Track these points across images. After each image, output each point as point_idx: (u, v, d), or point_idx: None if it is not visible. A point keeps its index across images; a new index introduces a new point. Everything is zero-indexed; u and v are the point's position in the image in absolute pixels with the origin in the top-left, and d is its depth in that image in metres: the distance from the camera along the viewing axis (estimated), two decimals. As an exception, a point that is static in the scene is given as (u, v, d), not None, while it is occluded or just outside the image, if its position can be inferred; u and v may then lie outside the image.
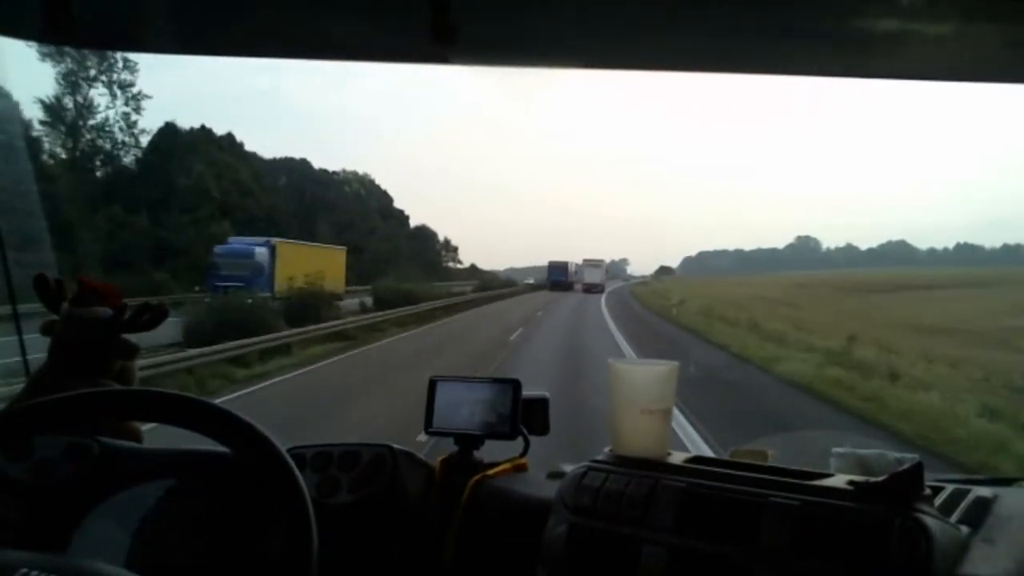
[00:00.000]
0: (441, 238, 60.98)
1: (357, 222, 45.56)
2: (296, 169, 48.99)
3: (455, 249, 61.93)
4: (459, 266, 60.07)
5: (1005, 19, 0.80)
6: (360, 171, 55.89)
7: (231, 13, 0.88)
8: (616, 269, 56.87)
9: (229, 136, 38.89)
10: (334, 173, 52.81)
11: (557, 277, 48.53)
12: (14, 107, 1.47)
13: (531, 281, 55.46)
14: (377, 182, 55.89)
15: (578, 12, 0.82)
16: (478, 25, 0.86)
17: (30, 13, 0.93)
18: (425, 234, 58.07)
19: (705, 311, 24.89)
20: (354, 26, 0.90)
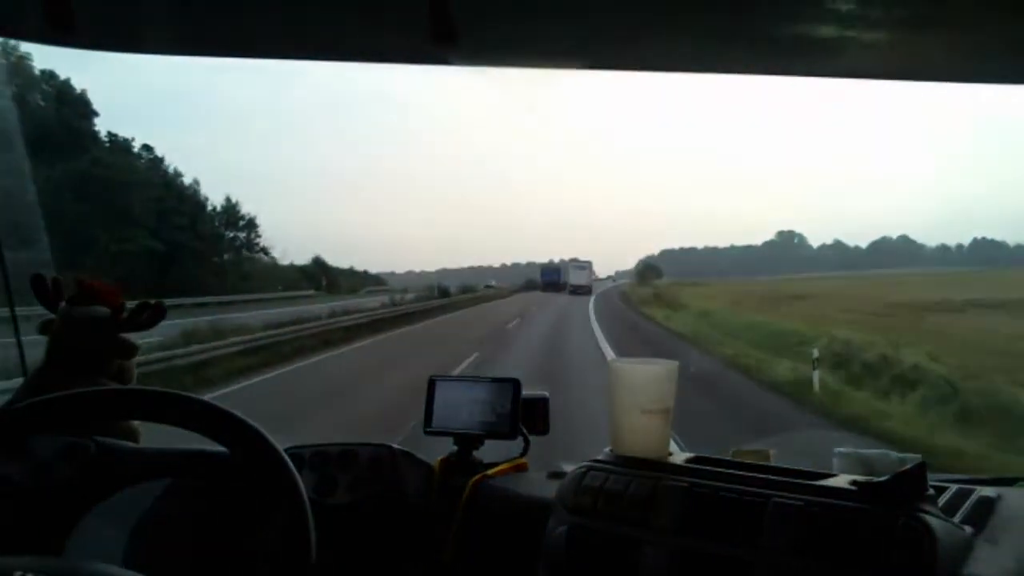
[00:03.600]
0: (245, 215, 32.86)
1: None
2: None
3: (254, 234, 32.92)
4: (279, 262, 33.00)
5: (1005, 21, 0.80)
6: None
7: (231, 14, 0.88)
8: (565, 270, 50.77)
9: None
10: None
11: (550, 278, 50.46)
12: (13, 107, 1.47)
13: (402, 296, 25.36)
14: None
15: (574, 15, 0.83)
16: (477, 27, 0.86)
17: (30, 14, 0.93)
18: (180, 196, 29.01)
19: None
20: (354, 28, 0.90)
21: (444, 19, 0.81)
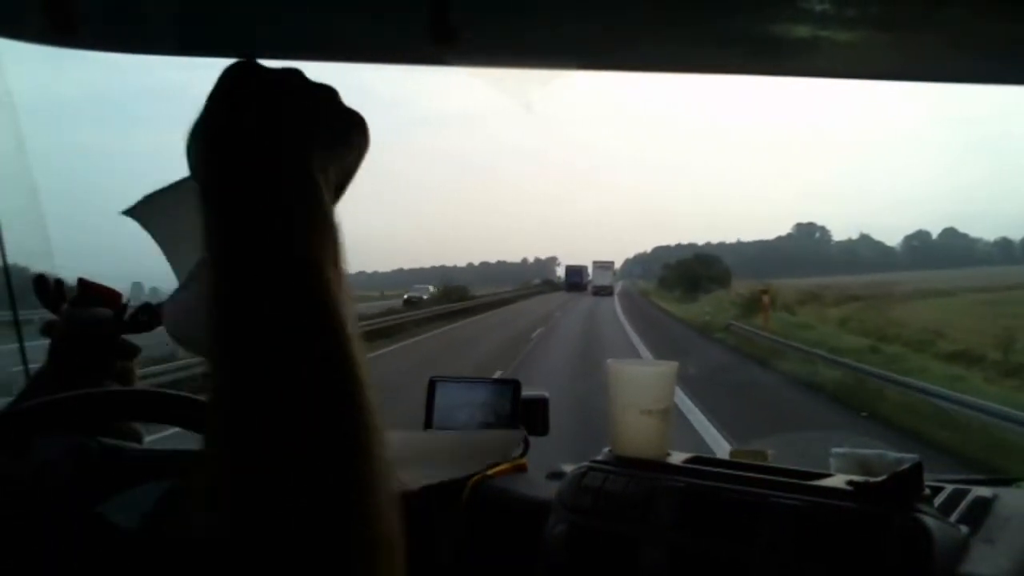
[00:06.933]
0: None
1: None
2: None
3: None
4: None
5: (1005, 21, 0.80)
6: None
7: (233, 15, 0.89)
8: (543, 269, 51.05)
9: None
10: None
11: (573, 279, 53.09)
12: (14, 107, 1.47)
13: None
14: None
15: (575, 15, 0.83)
16: (477, 27, 0.86)
17: (31, 14, 0.93)
18: None
19: None
20: (353, 28, 0.90)
21: (444, 19, 0.81)
